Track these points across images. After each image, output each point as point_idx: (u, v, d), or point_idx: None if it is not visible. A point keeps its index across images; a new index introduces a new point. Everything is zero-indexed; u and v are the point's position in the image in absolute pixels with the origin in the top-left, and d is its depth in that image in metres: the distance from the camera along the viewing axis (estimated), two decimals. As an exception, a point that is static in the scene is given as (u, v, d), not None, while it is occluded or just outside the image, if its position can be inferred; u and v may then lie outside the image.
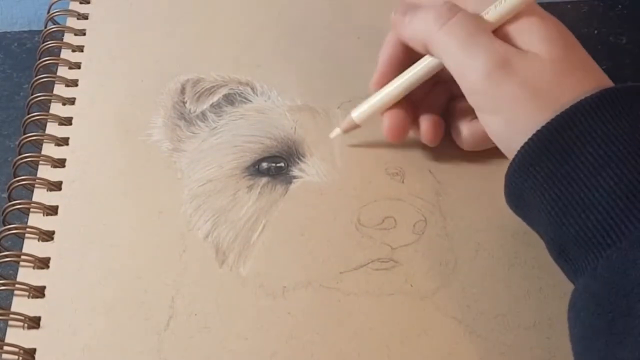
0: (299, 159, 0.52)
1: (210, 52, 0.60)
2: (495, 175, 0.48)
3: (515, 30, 0.45)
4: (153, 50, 0.60)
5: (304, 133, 0.53)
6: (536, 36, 0.43)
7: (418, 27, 0.47)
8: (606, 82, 0.42)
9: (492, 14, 0.45)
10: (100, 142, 0.54)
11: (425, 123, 0.51)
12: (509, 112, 0.43)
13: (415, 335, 0.44)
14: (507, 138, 0.44)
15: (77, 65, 0.59)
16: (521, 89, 0.42)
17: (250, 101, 0.56)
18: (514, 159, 0.41)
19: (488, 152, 0.50)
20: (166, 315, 0.45)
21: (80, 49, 0.60)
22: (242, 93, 0.56)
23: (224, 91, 0.56)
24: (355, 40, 0.50)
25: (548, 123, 0.40)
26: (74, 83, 0.58)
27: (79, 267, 0.47)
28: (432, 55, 0.47)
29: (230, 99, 0.56)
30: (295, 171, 0.51)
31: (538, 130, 0.40)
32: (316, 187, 0.51)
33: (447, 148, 0.51)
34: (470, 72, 0.44)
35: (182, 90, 0.57)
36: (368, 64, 0.51)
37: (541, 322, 0.44)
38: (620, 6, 0.74)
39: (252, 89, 0.56)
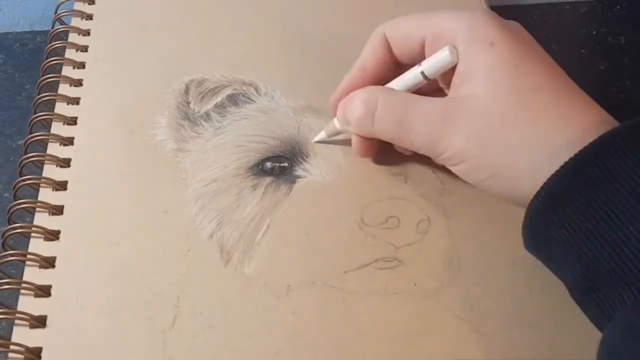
0: (302, 158, 0.51)
1: (214, 52, 0.60)
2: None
3: (461, 73, 0.44)
4: (157, 51, 0.60)
5: (308, 133, 0.53)
6: (478, 75, 0.43)
7: (355, 127, 0.49)
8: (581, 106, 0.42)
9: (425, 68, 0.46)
10: (104, 142, 0.53)
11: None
12: (464, 159, 0.44)
13: (419, 334, 0.44)
14: (476, 180, 0.45)
15: (82, 65, 0.59)
16: (465, 136, 0.43)
17: (254, 101, 0.55)
18: (536, 198, 0.40)
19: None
20: (171, 314, 0.44)
21: (84, 48, 0.60)
22: (245, 93, 0.56)
23: (227, 91, 0.56)
24: (359, 41, 0.49)
25: (575, 157, 0.38)
26: (78, 83, 0.57)
27: (85, 266, 0.47)
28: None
29: (234, 100, 0.55)
30: (298, 171, 0.51)
31: (564, 165, 0.38)
32: (320, 187, 0.50)
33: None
34: (420, 145, 0.46)
35: (186, 91, 0.56)
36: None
37: (545, 321, 0.44)
38: (618, 7, 0.74)
39: (256, 89, 0.56)
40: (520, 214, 0.42)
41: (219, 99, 0.55)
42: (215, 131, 0.54)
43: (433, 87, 0.49)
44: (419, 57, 0.47)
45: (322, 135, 0.52)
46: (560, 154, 0.39)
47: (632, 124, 0.39)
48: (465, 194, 0.50)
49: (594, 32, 0.72)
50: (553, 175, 0.39)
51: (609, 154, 0.38)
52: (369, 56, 0.49)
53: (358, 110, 0.47)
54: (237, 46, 0.60)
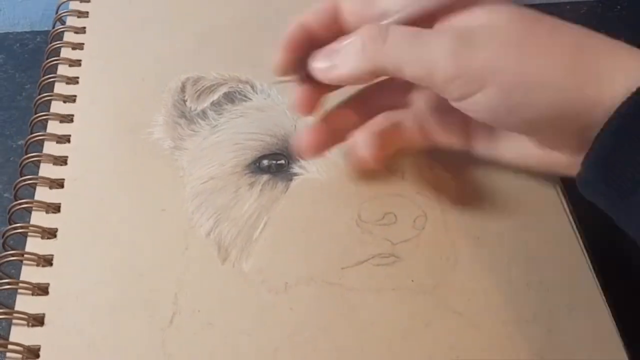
0: (299, 156, 0.51)
1: (210, 50, 0.59)
2: (494, 170, 0.48)
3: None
4: (153, 49, 0.60)
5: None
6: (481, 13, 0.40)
7: (356, 57, 0.42)
8: None
9: None
10: (101, 140, 0.53)
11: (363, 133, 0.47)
12: (488, 80, 0.38)
13: (417, 330, 0.44)
14: (498, 108, 0.39)
15: (78, 63, 0.58)
16: (490, 49, 0.38)
17: (250, 99, 0.55)
18: (607, 125, 0.36)
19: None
20: (170, 312, 0.44)
21: (80, 46, 0.60)
22: (242, 91, 0.56)
23: (224, 89, 0.56)
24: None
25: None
26: (74, 81, 0.57)
27: (82, 264, 0.46)
28: (380, 75, 0.43)
29: (230, 97, 0.55)
30: (295, 168, 0.51)
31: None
32: (317, 184, 0.50)
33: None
34: (437, 60, 0.39)
35: (183, 89, 0.56)
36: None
37: (542, 315, 0.44)
38: (619, 7, 0.74)
39: (252, 87, 0.56)
40: (515, 208, 0.42)
41: (215, 97, 0.55)
42: (212, 129, 0.53)
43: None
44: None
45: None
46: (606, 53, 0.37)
47: None
48: (461, 190, 0.50)
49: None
50: (633, 95, 0.35)
51: None
52: (312, 15, 0.45)
53: (370, 30, 0.41)
54: (234, 44, 0.60)
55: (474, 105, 0.39)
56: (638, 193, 0.35)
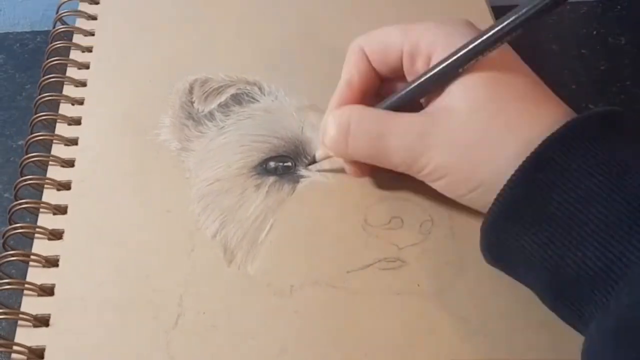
0: (306, 158, 0.51)
1: (218, 52, 0.59)
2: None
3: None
4: (161, 51, 0.59)
5: (311, 133, 0.52)
6: (457, 89, 0.42)
7: (332, 151, 0.48)
8: (559, 112, 0.41)
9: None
10: (109, 142, 0.53)
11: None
12: (443, 175, 0.43)
13: (423, 335, 0.43)
14: (456, 195, 0.44)
15: (86, 66, 0.58)
16: (444, 152, 0.42)
17: (258, 101, 0.55)
18: (490, 213, 0.40)
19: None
20: (175, 314, 0.44)
21: (89, 49, 0.60)
22: (249, 93, 0.55)
23: (231, 91, 0.55)
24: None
25: (522, 166, 0.38)
26: (82, 84, 0.57)
27: (88, 265, 0.46)
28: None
29: (237, 99, 0.55)
30: (302, 171, 0.51)
31: (513, 175, 0.39)
32: (323, 187, 0.50)
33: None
34: (398, 162, 0.44)
35: (190, 90, 0.56)
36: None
37: (548, 322, 0.43)
38: (619, 7, 0.74)
39: (260, 88, 0.56)
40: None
41: (222, 98, 0.55)
42: (219, 130, 0.53)
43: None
44: (399, 70, 0.46)
45: (318, 160, 0.51)
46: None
47: (573, 123, 0.39)
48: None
49: (594, 32, 0.71)
50: (504, 187, 0.39)
51: (555, 158, 0.38)
52: (353, 71, 0.48)
53: (331, 130, 0.46)
54: (241, 46, 0.60)
55: (435, 185, 0.45)
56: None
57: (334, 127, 0.46)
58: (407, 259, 0.47)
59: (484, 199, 0.42)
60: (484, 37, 0.41)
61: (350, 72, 0.48)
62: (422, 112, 0.44)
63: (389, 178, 0.49)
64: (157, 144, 0.53)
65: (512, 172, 0.39)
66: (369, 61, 0.47)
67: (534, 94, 0.42)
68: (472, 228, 0.47)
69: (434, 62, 0.43)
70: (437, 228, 0.48)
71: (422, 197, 0.49)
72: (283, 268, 0.46)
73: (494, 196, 0.40)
